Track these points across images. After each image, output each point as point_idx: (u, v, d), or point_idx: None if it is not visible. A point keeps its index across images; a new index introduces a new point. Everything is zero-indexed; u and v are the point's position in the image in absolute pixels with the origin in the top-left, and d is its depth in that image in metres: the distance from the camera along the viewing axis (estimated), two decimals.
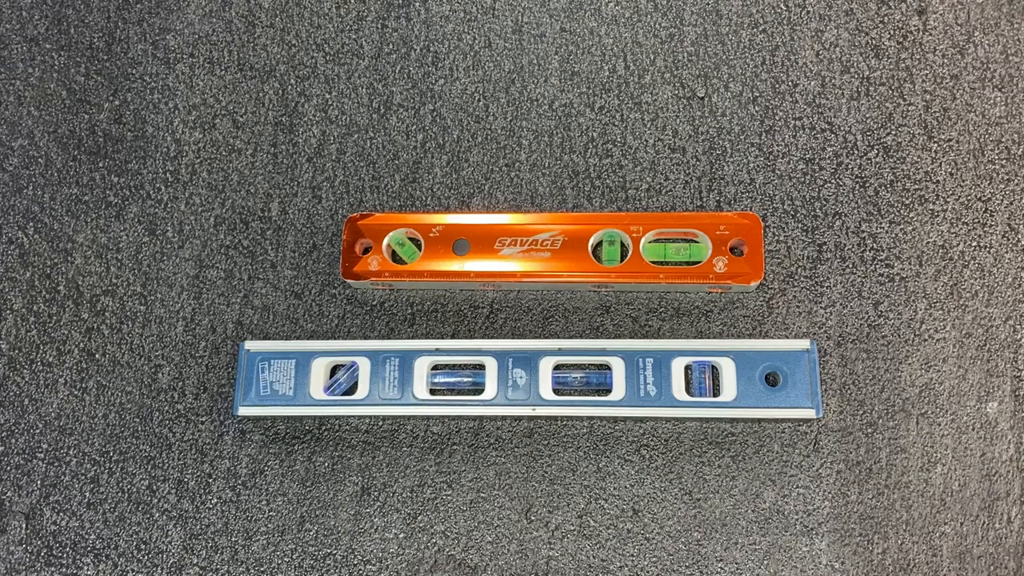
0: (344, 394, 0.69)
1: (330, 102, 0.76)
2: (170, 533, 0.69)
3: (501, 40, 0.77)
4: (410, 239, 0.72)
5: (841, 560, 0.66)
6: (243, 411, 0.68)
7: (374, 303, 0.72)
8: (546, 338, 0.70)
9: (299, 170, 0.75)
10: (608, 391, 0.66)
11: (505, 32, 0.78)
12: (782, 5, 0.76)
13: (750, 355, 0.66)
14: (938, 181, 0.72)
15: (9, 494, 0.70)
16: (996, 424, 0.67)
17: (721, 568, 0.66)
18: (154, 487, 0.69)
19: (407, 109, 0.76)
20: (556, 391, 0.68)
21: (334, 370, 0.70)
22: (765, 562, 0.66)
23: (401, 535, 0.67)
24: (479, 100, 0.76)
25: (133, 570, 0.68)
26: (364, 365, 0.68)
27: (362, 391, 0.67)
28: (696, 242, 0.70)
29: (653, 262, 0.69)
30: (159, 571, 0.68)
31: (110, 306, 0.73)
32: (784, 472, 0.67)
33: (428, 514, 0.68)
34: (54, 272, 0.74)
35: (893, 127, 0.73)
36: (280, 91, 0.77)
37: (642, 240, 0.69)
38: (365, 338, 0.71)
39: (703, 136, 0.74)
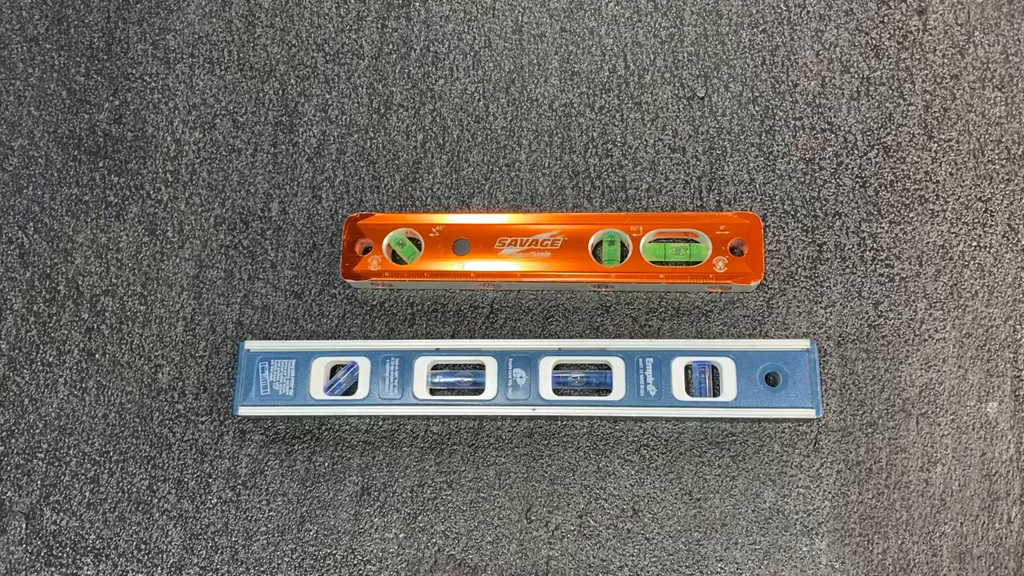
0: (344, 394, 0.69)
1: (330, 102, 0.76)
2: (170, 533, 0.69)
3: (501, 40, 0.77)
4: (410, 239, 0.72)
5: (841, 560, 0.66)
6: (243, 411, 0.68)
7: (374, 303, 0.72)
8: (546, 338, 0.70)
9: (299, 170, 0.75)
10: (608, 391, 0.66)
11: (505, 32, 0.77)
12: (782, 5, 0.76)
13: (750, 355, 0.66)
14: (938, 181, 0.72)
15: (9, 494, 0.70)
16: (996, 424, 0.67)
17: (721, 568, 0.66)
18: (154, 487, 0.69)
19: (407, 109, 0.76)
20: (556, 391, 0.67)
21: (334, 370, 0.70)
22: (765, 562, 0.66)
23: (401, 535, 0.67)
24: (479, 100, 0.76)
25: (133, 570, 0.68)
26: (364, 365, 0.68)
27: (362, 391, 0.67)
28: (696, 242, 0.70)
29: (653, 262, 0.69)
30: (159, 571, 0.68)
31: (110, 306, 0.73)
32: (784, 472, 0.67)
33: (428, 514, 0.68)
34: (54, 272, 0.74)
35: (893, 127, 0.73)
36: (280, 91, 0.77)
37: (642, 240, 0.69)
38: (365, 338, 0.71)
39: (703, 136, 0.74)
